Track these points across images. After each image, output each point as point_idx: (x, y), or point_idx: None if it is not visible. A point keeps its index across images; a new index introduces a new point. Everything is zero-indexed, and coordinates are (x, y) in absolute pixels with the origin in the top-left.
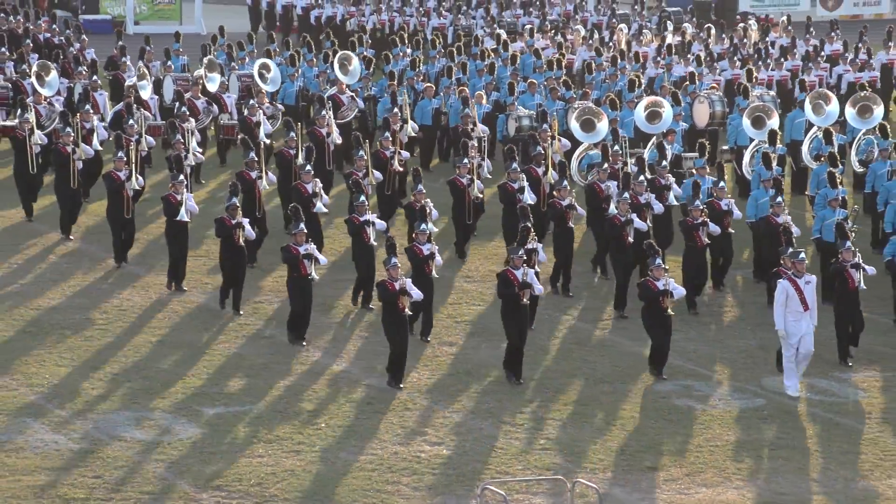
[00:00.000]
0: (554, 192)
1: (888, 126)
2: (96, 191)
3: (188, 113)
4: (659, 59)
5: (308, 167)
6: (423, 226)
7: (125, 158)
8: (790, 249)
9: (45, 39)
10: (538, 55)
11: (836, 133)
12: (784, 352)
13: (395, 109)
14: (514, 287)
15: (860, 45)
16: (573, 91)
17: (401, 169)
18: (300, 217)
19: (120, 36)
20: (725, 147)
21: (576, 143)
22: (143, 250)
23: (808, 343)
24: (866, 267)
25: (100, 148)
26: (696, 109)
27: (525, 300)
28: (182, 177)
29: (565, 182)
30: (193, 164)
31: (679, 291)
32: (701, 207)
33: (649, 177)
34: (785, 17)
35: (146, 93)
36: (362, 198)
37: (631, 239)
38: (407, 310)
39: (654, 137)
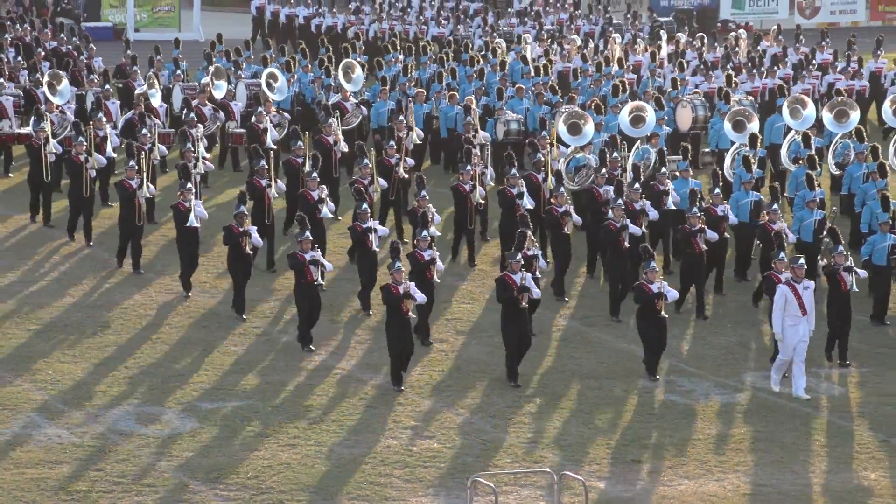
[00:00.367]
0: (551, 199)
1: (864, 130)
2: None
3: (196, 119)
4: (657, 68)
5: (314, 174)
6: (424, 232)
7: (136, 167)
8: (781, 253)
9: (52, 48)
10: (525, 61)
11: (814, 137)
12: (780, 353)
13: (401, 117)
14: (512, 291)
15: (850, 52)
16: (559, 96)
17: (405, 176)
18: (306, 225)
19: (128, 45)
20: (707, 150)
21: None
22: (153, 255)
23: (802, 350)
24: (858, 270)
25: (113, 155)
26: (680, 114)
27: (524, 304)
28: (190, 184)
29: (562, 189)
30: (203, 172)
31: (672, 294)
32: (699, 214)
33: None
34: (775, 27)
35: (156, 101)
36: (365, 205)
37: (627, 244)
38: (411, 313)
39: (639, 141)
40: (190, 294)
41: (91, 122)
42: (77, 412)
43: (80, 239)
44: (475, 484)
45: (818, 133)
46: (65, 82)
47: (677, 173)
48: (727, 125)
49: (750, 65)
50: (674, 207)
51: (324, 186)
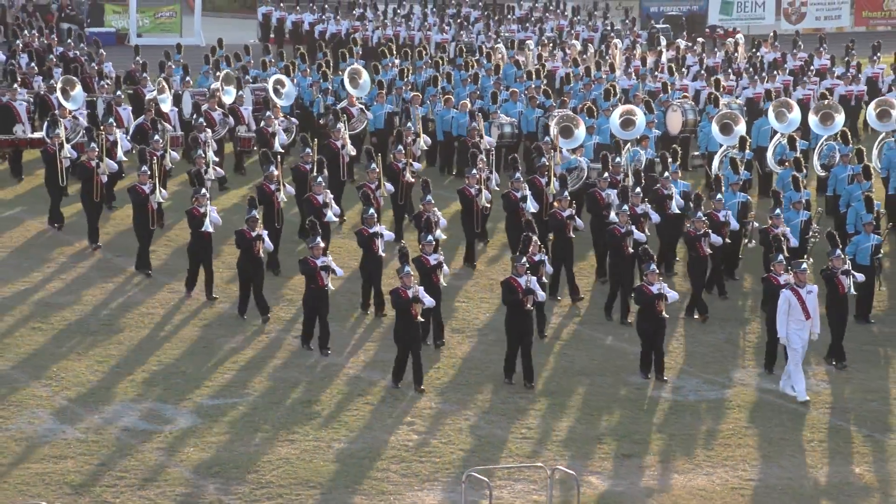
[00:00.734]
0: (554, 203)
1: (849, 133)
2: (122, 198)
3: (205, 124)
4: (657, 73)
5: (320, 179)
6: (430, 237)
7: (149, 172)
8: (779, 256)
9: (58, 53)
10: (519, 65)
11: (800, 139)
12: (791, 359)
13: (409, 124)
14: (518, 294)
15: (848, 58)
16: (552, 99)
17: (413, 181)
18: (317, 231)
19: (137, 51)
20: (696, 153)
21: None
22: (166, 259)
23: (804, 351)
24: (856, 274)
25: (124, 159)
26: (670, 117)
27: (529, 306)
28: (204, 190)
29: (566, 193)
30: (214, 178)
31: (672, 295)
32: (703, 219)
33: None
34: (771, 34)
35: (166, 106)
36: (371, 210)
37: (631, 249)
38: (419, 317)
39: (629, 143)
40: (191, 294)
41: (102, 127)
42: (82, 409)
43: (84, 240)
44: (470, 478)
45: (803, 136)
46: (78, 88)
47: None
48: (715, 128)
49: (752, 70)
50: (678, 211)
51: (328, 191)
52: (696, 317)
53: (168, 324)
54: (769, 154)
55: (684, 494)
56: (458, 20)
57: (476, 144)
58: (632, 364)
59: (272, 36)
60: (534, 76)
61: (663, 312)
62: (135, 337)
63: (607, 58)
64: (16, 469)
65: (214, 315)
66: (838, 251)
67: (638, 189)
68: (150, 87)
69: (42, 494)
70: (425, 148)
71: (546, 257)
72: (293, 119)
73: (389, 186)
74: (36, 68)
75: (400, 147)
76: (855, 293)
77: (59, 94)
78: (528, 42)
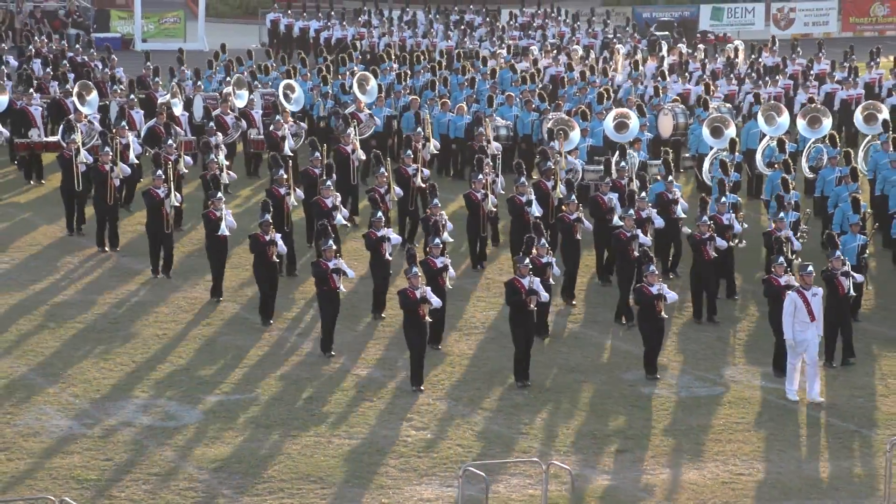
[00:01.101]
0: (562, 207)
1: (836, 136)
2: (136, 203)
3: (215, 128)
4: (659, 78)
5: (329, 182)
6: (437, 239)
7: (163, 176)
8: (780, 258)
9: (69, 58)
10: (514, 70)
11: (788, 142)
12: (790, 358)
13: (419, 129)
14: (521, 294)
15: (846, 63)
16: (547, 103)
17: (423, 185)
18: (329, 234)
19: (148, 57)
20: (687, 155)
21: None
22: (180, 262)
23: (813, 352)
24: (855, 275)
25: (136, 162)
26: (661, 121)
27: (532, 306)
28: (220, 194)
29: (573, 197)
30: (227, 182)
31: (672, 296)
32: (708, 223)
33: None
34: (770, 39)
35: (178, 109)
36: (379, 213)
37: (636, 253)
38: (427, 317)
39: (623, 146)
40: (221, 300)
41: (114, 131)
42: (88, 405)
43: (105, 245)
44: (467, 473)
45: (791, 138)
46: (94, 93)
47: (658, 177)
48: (705, 131)
49: (755, 76)
50: (683, 216)
51: (337, 194)
52: (716, 320)
53: (179, 324)
54: (758, 156)
55: (676, 488)
56: (462, 27)
57: (483, 149)
58: (625, 362)
59: (265, 41)
60: (528, 80)
61: (662, 313)
62: (144, 336)
63: (611, 63)
64: (23, 464)
65: (231, 318)
66: (838, 252)
67: (643, 193)
68: (161, 92)
69: (49, 489)
70: (435, 152)
71: (553, 259)
72: (302, 124)
73: (399, 190)
74: (51, 73)
75: (409, 152)
76: (854, 294)
77: (75, 98)
78: (531, 48)
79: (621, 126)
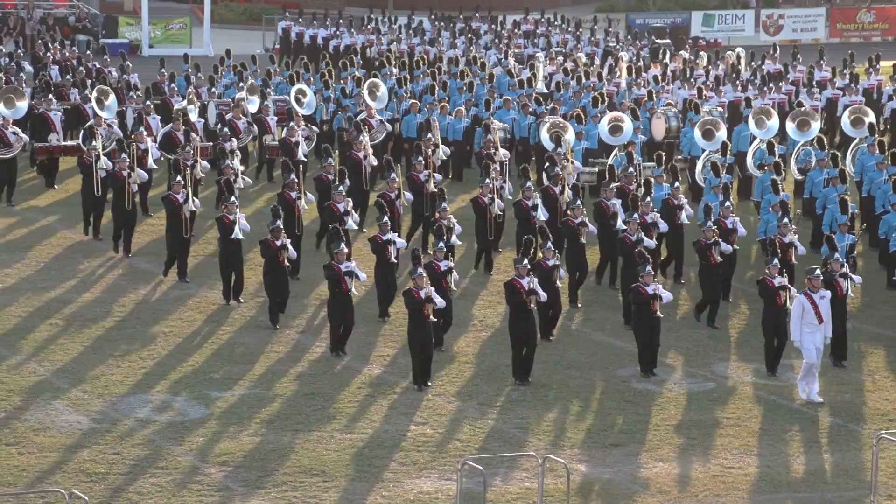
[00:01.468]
0: (568, 211)
1: (825, 139)
2: (154, 207)
3: (230, 133)
4: (664, 84)
5: (341, 188)
6: (441, 243)
7: (182, 182)
8: (774, 259)
9: (84, 64)
10: (511, 74)
11: (778, 144)
12: (805, 361)
13: (429, 135)
14: (520, 295)
15: (847, 70)
16: (543, 107)
17: (435, 190)
18: (341, 237)
19: (162, 64)
20: (680, 157)
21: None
22: (196, 266)
23: (819, 354)
24: (854, 276)
25: (154, 167)
26: (654, 124)
27: (531, 306)
28: (234, 198)
29: (579, 201)
30: (242, 186)
31: (667, 296)
32: (713, 228)
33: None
34: (771, 47)
35: (194, 115)
36: (385, 218)
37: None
38: (431, 317)
39: (617, 149)
40: (232, 303)
41: (132, 136)
42: (97, 401)
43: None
44: (465, 467)
45: (781, 141)
46: (112, 97)
47: (651, 179)
48: (697, 134)
49: (760, 83)
50: (687, 221)
51: (349, 199)
52: (716, 326)
53: (192, 327)
54: (749, 158)
55: (668, 481)
56: (468, 34)
57: (490, 156)
58: (619, 358)
59: (277, 46)
60: (525, 84)
61: (658, 312)
62: (160, 338)
63: (616, 71)
64: (34, 458)
65: (240, 318)
66: (837, 254)
67: (648, 198)
68: (176, 98)
69: (59, 482)
70: (444, 158)
71: (559, 262)
72: (314, 127)
73: (409, 195)
74: (70, 80)
75: (420, 158)
76: (852, 295)
77: (93, 103)
78: (537, 55)
79: (616, 129)
